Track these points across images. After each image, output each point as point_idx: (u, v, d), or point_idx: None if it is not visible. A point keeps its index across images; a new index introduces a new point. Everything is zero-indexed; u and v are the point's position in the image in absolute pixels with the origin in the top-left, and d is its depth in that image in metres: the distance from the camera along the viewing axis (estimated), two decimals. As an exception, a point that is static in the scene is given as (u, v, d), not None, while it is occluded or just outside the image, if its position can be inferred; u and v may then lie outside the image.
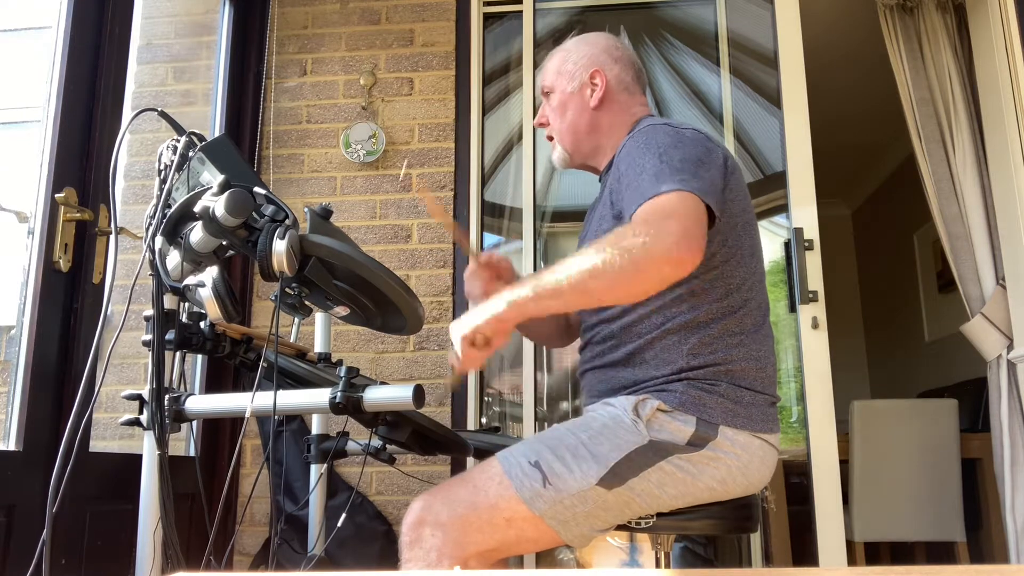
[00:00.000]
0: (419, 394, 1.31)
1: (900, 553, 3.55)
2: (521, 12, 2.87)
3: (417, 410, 1.38)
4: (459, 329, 1.25)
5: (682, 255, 1.19)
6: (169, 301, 1.38)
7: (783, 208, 2.61)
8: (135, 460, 1.40)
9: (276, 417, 1.35)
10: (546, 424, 2.68)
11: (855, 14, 3.58)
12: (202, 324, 1.47)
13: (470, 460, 2.38)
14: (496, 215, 2.80)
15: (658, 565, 1.55)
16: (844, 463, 2.47)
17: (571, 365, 2.81)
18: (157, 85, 2.78)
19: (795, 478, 2.96)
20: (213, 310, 1.24)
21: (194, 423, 2.32)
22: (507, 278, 1.64)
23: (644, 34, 2.93)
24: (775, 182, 2.67)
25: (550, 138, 1.63)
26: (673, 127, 1.40)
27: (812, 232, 2.50)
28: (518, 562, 2.29)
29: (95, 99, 1.94)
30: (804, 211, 2.53)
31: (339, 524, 2.10)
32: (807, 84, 2.60)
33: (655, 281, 1.21)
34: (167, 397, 1.37)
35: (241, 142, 2.71)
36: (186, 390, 1.44)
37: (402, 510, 1.38)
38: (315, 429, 2.08)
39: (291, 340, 2.06)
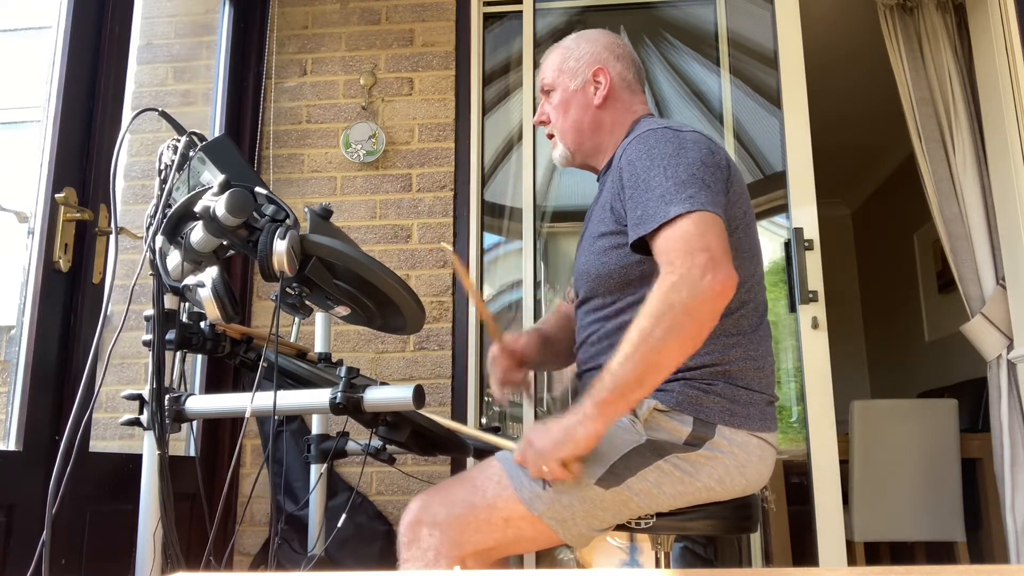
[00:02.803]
0: (419, 394, 1.31)
1: (900, 553, 3.55)
2: (521, 12, 2.87)
3: (417, 410, 1.38)
4: (556, 452, 1.24)
5: (723, 283, 1.21)
6: (169, 301, 1.38)
7: (783, 208, 2.61)
8: (135, 460, 1.40)
9: (276, 417, 1.35)
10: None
11: (855, 14, 3.58)
12: (202, 324, 1.47)
13: (470, 460, 2.38)
14: (496, 215, 2.80)
15: (658, 565, 1.55)
16: (844, 463, 2.47)
17: (569, 370, 2.81)
18: (157, 85, 2.78)
19: (795, 478, 2.96)
20: (212, 310, 1.24)
21: (194, 423, 2.32)
22: (529, 363, 1.66)
23: (644, 34, 2.93)
24: (775, 182, 2.67)
25: (550, 136, 1.62)
26: (673, 130, 1.39)
27: (812, 232, 2.50)
28: (518, 562, 2.29)
29: (95, 99, 1.94)
30: (804, 211, 2.53)
31: (339, 524, 2.10)
32: (807, 84, 2.60)
33: (713, 318, 1.24)
34: (167, 397, 1.37)
35: (241, 142, 2.71)
36: (186, 390, 1.44)
37: (402, 510, 1.38)
38: (315, 429, 2.08)
39: (291, 340, 2.06)
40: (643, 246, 1.33)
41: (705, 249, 1.22)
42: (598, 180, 1.63)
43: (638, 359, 1.21)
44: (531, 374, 2.58)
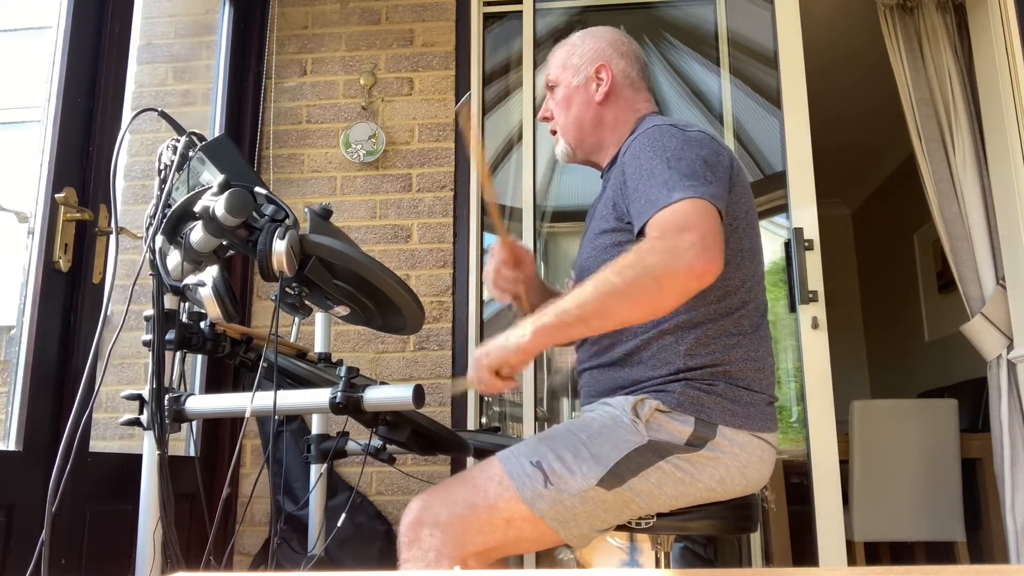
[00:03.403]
0: (419, 394, 1.31)
1: (900, 553, 3.55)
2: (521, 12, 2.87)
3: (417, 410, 1.38)
4: (486, 358, 1.28)
5: (704, 267, 1.19)
6: (169, 301, 1.38)
7: (783, 208, 2.61)
8: (135, 460, 1.40)
9: (276, 417, 1.35)
10: (546, 424, 2.69)
11: (855, 14, 3.58)
12: (202, 324, 1.47)
13: (470, 460, 2.38)
14: (496, 215, 2.80)
15: (658, 565, 1.55)
16: (844, 463, 2.47)
17: (570, 364, 2.81)
18: (157, 85, 2.78)
19: (795, 478, 2.96)
20: (213, 309, 1.24)
21: (194, 423, 2.32)
22: (526, 270, 1.63)
23: (644, 34, 2.93)
24: (775, 182, 2.67)
25: (554, 132, 1.62)
26: (679, 128, 1.39)
27: (812, 232, 2.50)
28: (518, 562, 2.29)
29: (95, 99, 1.94)
30: (804, 211, 2.53)
31: (339, 524, 2.10)
32: (807, 84, 2.60)
33: (678, 296, 1.22)
34: (167, 397, 1.37)
35: (241, 142, 2.71)
36: (186, 390, 1.44)
37: (402, 510, 1.38)
38: (315, 429, 2.07)
39: (291, 340, 2.06)
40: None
41: (697, 229, 1.21)
42: (602, 177, 1.63)
43: (589, 298, 1.22)
44: (532, 377, 2.58)
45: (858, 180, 5.67)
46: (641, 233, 1.32)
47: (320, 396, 1.34)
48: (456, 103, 2.75)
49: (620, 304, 1.21)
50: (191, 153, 1.36)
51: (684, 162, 1.31)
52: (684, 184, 1.27)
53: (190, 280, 1.27)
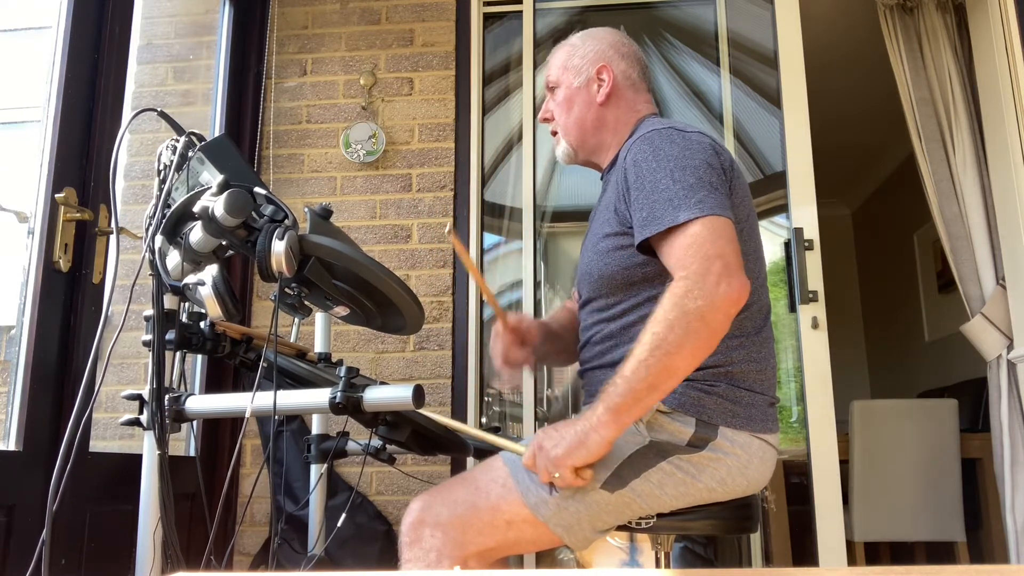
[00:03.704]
0: (419, 394, 1.31)
1: (900, 553, 3.55)
2: (521, 12, 2.87)
3: (417, 410, 1.38)
4: (569, 459, 1.23)
5: (739, 291, 1.22)
6: (169, 301, 1.38)
7: (783, 208, 2.61)
8: (135, 460, 1.40)
9: (276, 417, 1.35)
10: (546, 424, 2.68)
11: (855, 14, 3.58)
12: (202, 324, 1.47)
13: (470, 460, 2.38)
14: (496, 215, 2.80)
15: (658, 565, 1.55)
16: (844, 463, 2.47)
17: (570, 371, 2.81)
18: (157, 85, 2.78)
19: (795, 478, 2.96)
20: (213, 308, 1.24)
21: (194, 423, 2.32)
22: (532, 342, 1.63)
23: (644, 34, 2.93)
24: (775, 182, 2.67)
25: (554, 133, 1.62)
26: (679, 131, 1.39)
27: (812, 232, 2.50)
28: (518, 562, 2.29)
29: (95, 99, 1.94)
30: (804, 211, 2.53)
31: (339, 524, 2.10)
32: (807, 84, 2.60)
33: (726, 325, 1.24)
34: (167, 397, 1.37)
35: (241, 142, 2.71)
36: (186, 390, 1.44)
37: (402, 510, 1.38)
38: (315, 429, 2.07)
39: (291, 340, 2.06)
40: (648, 247, 1.33)
41: (719, 256, 1.22)
42: (602, 179, 1.63)
43: (652, 364, 1.20)
44: (532, 377, 2.58)
45: (858, 180, 5.67)
46: (643, 245, 1.32)
47: (320, 396, 1.34)
48: (456, 103, 2.75)
49: (681, 357, 1.21)
50: (191, 153, 1.36)
51: (687, 171, 1.30)
52: (690, 201, 1.26)
53: (190, 280, 1.27)
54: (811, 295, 2.45)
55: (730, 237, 1.25)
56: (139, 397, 1.36)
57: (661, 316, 1.21)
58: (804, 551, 2.74)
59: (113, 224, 1.88)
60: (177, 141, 1.37)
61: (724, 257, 1.22)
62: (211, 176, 1.34)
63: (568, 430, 1.25)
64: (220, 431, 2.51)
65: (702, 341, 1.21)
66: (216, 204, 1.21)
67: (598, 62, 1.56)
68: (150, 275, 1.32)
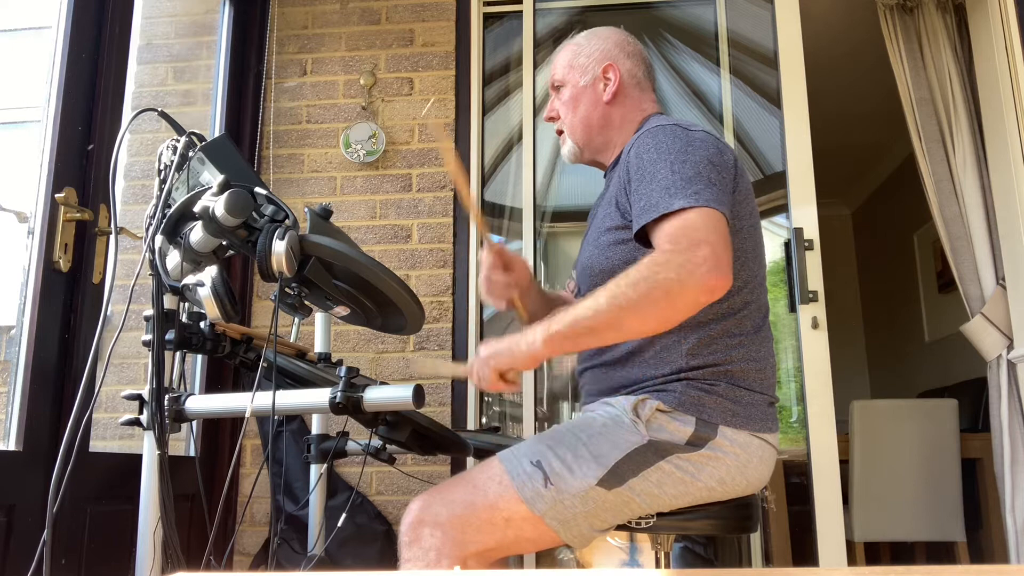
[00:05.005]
0: (419, 394, 1.31)
1: (900, 553, 3.55)
2: (521, 12, 2.87)
3: (417, 410, 1.38)
4: (493, 360, 1.29)
5: (716, 282, 1.20)
6: (169, 301, 1.38)
7: (783, 208, 2.61)
8: (135, 460, 1.40)
9: (276, 417, 1.35)
10: (546, 424, 2.68)
11: (855, 14, 3.58)
12: (202, 324, 1.47)
13: (470, 460, 2.38)
14: (496, 215, 2.80)
15: (658, 565, 1.55)
16: (844, 463, 2.47)
17: (571, 364, 2.81)
18: (157, 85, 2.78)
19: (795, 478, 2.96)
20: (212, 310, 1.24)
21: (194, 423, 2.32)
22: (517, 273, 1.59)
23: (644, 34, 2.93)
24: (775, 182, 2.67)
25: (560, 132, 1.62)
26: (683, 127, 1.39)
27: (812, 232, 2.50)
28: (518, 562, 2.29)
29: (95, 99, 1.94)
30: (804, 211, 2.53)
31: (339, 524, 2.10)
32: (807, 84, 2.60)
33: (689, 310, 1.23)
34: (167, 397, 1.37)
35: (241, 142, 2.71)
36: (186, 390, 1.44)
37: (402, 510, 1.38)
38: (315, 429, 2.08)
39: (291, 340, 2.06)
40: (646, 239, 1.33)
41: (708, 243, 1.21)
42: (605, 176, 1.63)
43: (602, 312, 1.22)
44: (532, 376, 2.58)
45: (858, 180, 5.67)
46: (639, 234, 1.32)
47: (320, 396, 1.34)
48: (456, 103, 2.75)
49: (632, 317, 1.22)
50: (191, 153, 1.36)
51: (687, 164, 1.31)
52: (687, 190, 1.26)
53: (189, 280, 1.27)
54: (811, 295, 2.45)
55: (722, 231, 1.25)
56: (139, 397, 1.36)
57: (633, 275, 1.22)
58: (804, 551, 2.74)
59: (113, 224, 1.88)
60: (177, 141, 1.37)
61: (712, 246, 1.21)
62: (211, 176, 1.34)
63: (504, 339, 1.30)
64: (220, 431, 2.51)
65: (660, 312, 1.22)
66: (217, 204, 1.21)
67: (604, 61, 1.56)
68: (150, 275, 1.32)
